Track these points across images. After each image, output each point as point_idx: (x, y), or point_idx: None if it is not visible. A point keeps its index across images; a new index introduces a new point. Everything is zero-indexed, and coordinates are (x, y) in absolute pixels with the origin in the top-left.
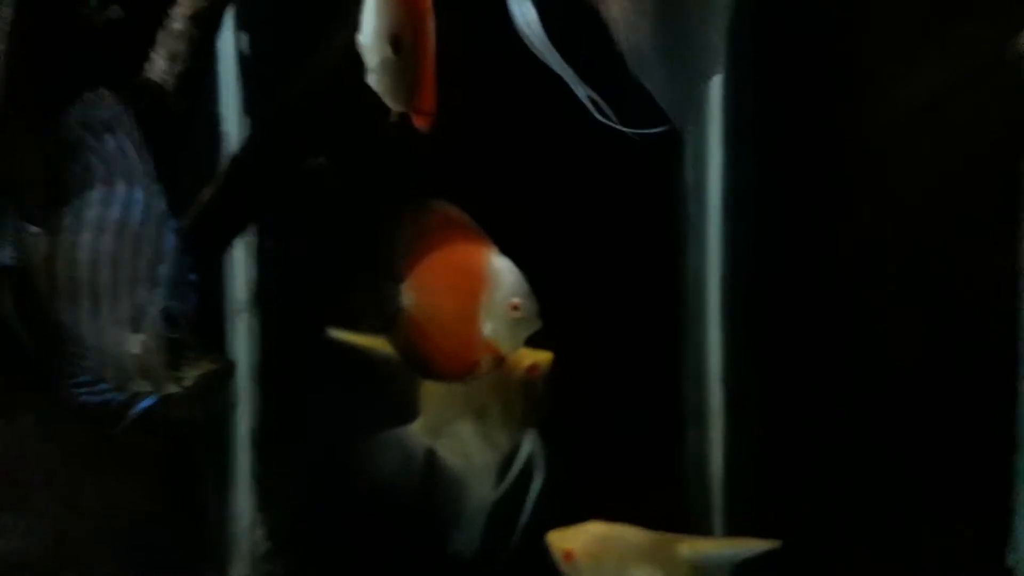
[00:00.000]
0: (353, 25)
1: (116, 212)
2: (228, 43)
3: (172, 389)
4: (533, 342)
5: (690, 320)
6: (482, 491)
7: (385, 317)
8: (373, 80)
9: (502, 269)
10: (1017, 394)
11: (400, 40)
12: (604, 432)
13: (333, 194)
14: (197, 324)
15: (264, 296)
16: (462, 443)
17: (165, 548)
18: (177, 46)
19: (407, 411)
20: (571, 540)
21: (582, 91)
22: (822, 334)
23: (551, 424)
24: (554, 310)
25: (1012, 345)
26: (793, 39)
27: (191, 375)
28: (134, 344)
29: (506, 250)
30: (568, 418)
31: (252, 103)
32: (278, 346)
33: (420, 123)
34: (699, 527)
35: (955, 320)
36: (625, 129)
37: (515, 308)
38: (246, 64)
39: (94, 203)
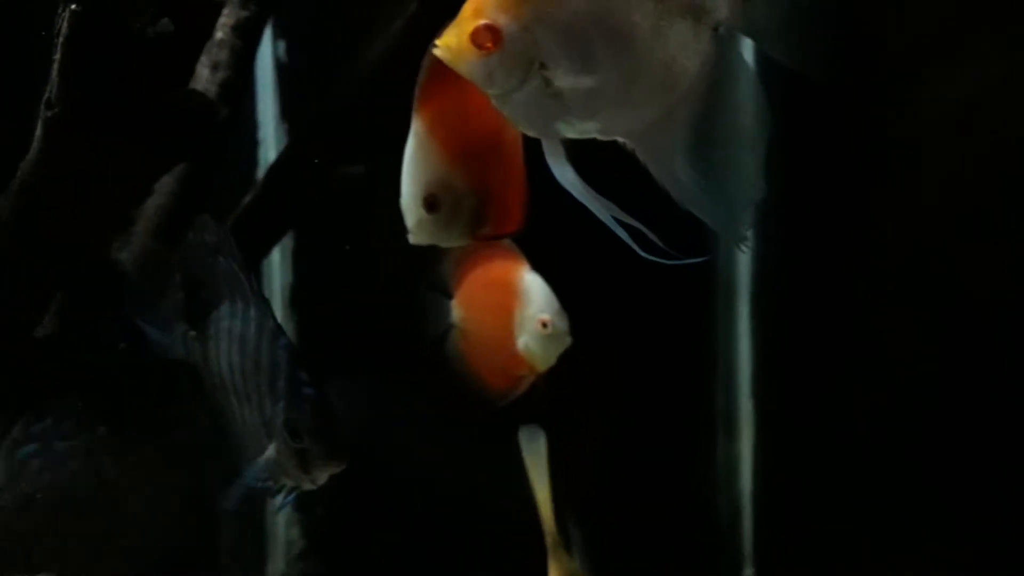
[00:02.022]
0: (390, 33)
1: (239, 327)
2: (266, 51)
3: (308, 487)
4: (567, 353)
5: (720, 331)
6: None
7: (439, 332)
8: (411, 238)
9: (533, 285)
10: None
11: (436, 199)
12: (635, 441)
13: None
14: (319, 434)
15: (300, 299)
16: None
17: (202, 546)
18: (219, 55)
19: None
20: None
21: (623, 233)
22: (851, 346)
23: (582, 432)
24: (585, 321)
25: None
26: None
27: (322, 476)
28: (269, 449)
29: (539, 262)
30: (599, 427)
31: (289, 110)
32: (314, 347)
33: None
34: (728, 537)
35: (985, 334)
36: (672, 262)
37: (544, 325)
38: (283, 72)
39: (224, 316)
